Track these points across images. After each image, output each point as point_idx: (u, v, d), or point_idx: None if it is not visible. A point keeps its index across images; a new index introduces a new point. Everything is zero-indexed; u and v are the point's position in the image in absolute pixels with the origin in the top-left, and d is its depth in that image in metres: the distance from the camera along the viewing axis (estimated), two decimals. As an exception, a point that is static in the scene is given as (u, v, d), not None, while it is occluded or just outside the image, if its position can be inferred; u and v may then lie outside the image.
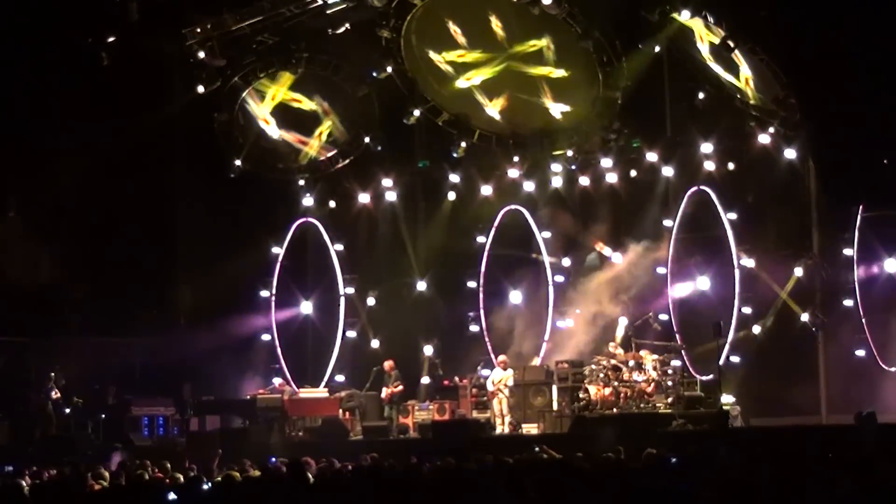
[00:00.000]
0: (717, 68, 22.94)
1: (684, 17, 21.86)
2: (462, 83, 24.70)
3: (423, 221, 27.36)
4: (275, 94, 25.27)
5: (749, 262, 23.89)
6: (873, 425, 7.46)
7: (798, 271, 23.75)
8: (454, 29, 24.10)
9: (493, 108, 24.94)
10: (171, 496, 10.55)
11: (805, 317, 23.50)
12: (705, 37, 22.43)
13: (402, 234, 27.14)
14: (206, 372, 26.12)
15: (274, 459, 15.57)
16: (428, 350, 25.89)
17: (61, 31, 23.67)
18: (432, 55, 24.49)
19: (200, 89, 24.50)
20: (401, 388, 24.53)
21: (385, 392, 24.49)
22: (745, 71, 22.58)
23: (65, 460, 17.82)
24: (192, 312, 26.41)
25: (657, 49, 23.23)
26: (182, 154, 25.74)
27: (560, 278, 25.55)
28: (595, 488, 9.14)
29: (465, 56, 24.35)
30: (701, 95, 23.65)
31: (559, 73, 24.08)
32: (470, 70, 24.52)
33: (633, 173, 25.17)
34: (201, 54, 23.75)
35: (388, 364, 24.87)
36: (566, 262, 25.74)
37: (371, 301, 26.91)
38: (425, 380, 25.50)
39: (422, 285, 26.73)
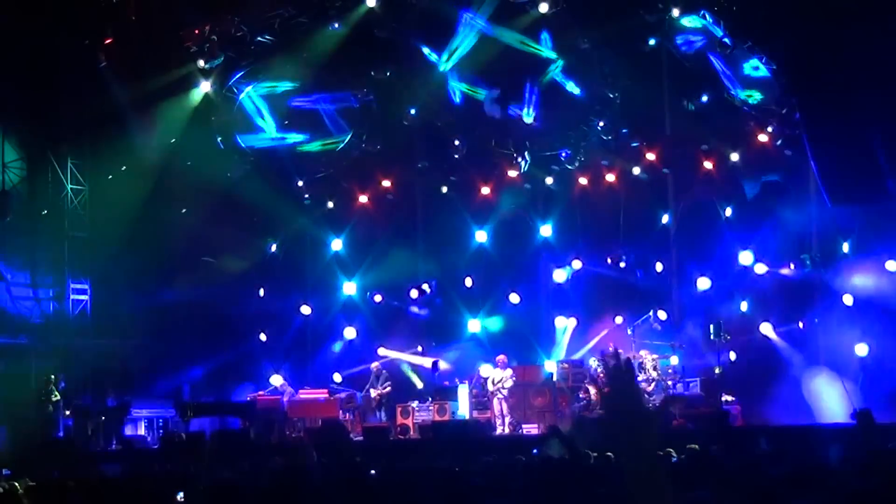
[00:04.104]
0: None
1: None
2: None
3: (423, 221, 27.34)
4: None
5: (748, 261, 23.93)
6: (870, 423, 7.45)
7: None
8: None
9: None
10: (180, 495, 10.50)
11: (800, 322, 23.55)
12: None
13: (401, 234, 27.12)
14: (206, 373, 26.11)
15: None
16: (420, 349, 25.92)
17: (60, 32, 23.63)
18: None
19: (199, 89, 24.51)
20: (389, 388, 24.48)
21: (374, 393, 24.46)
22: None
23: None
24: (191, 313, 26.35)
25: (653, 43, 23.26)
26: (180, 154, 25.66)
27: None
28: (595, 487, 9.12)
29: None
30: (704, 98, 23.66)
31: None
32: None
33: (637, 171, 25.16)
34: (200, 56, 23.76)
35: (374, 365, 24.84)
36: (577, 263, 25.70)
37: (373, 300, 26.91)
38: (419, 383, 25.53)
39: (417, 290, 26.73)
